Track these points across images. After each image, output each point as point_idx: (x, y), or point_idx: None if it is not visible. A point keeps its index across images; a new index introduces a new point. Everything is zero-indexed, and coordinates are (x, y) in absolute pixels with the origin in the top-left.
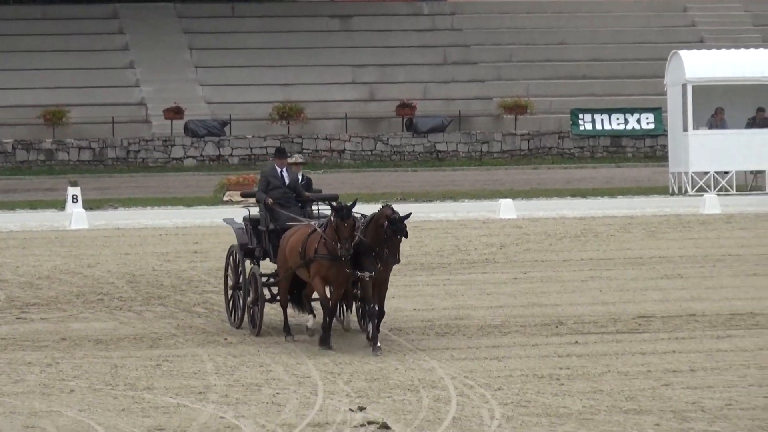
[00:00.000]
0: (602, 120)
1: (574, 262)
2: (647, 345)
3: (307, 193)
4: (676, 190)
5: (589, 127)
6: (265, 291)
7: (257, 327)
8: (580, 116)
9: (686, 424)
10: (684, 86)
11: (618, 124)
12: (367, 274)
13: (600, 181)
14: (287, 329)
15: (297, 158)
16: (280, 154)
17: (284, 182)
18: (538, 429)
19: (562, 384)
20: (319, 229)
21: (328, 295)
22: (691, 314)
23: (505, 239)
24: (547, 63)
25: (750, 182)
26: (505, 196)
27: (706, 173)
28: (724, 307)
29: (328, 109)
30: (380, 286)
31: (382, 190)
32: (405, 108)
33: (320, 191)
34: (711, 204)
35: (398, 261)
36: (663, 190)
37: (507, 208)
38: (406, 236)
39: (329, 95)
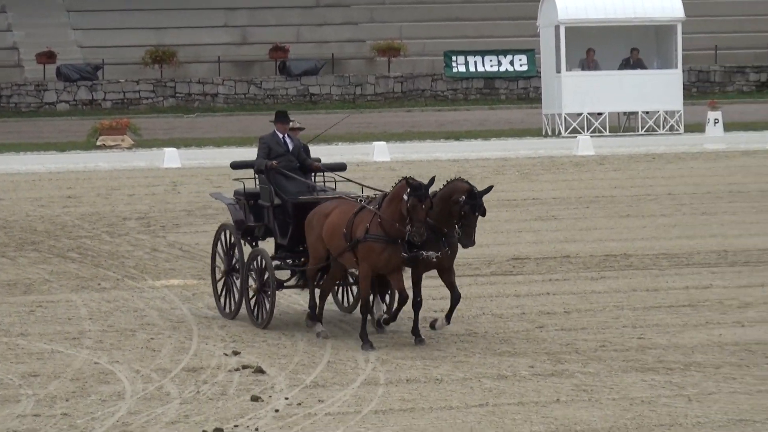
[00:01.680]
0: (475, 62)
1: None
2: (521, 287)
3: (316, 163)
4: (549, 132)
5: (462, 69)
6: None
7: (266, 317)
8: (453, 58)
9: (560, 365)
10: (557, 28)
11: (491, 66)
12: (433, 255)
13: (473, 123)
14: (314, 316)
15: (295, 123)
16: (282, 117)
17: (288, 149)
18: (413, 372)
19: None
20: (369, 206)
21: (367, 283)
22: (565, 256)
23: (380, 182)
24: (420, 5)
25: (623, 123)
26: (378, 139)
27: (579, 115)
28: (597, 248)
29: (201, 52)
30: (447, 272)
31: (255, 134)
32: (278, 51)
33: (318, 160)
34: (584, 145)
35: (473, 243)
36: (536, 132)
37: (381, 151)
38: (484, 214)
39: (202, 39)
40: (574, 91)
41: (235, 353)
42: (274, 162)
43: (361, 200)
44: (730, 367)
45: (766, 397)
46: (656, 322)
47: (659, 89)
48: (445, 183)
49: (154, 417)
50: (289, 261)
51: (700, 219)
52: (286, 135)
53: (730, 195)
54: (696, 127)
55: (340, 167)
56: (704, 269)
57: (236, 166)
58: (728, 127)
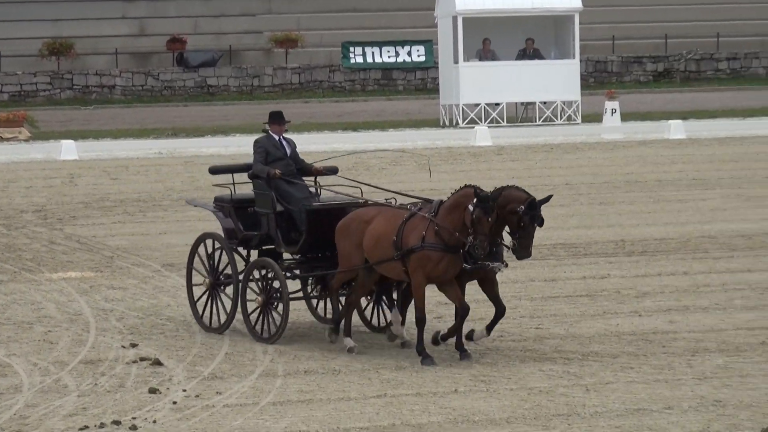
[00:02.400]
0: (373, 53)
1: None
2: None
3: (317, 166)
4: (447, 123)
5: (359, 60)
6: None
7: (278, 331)
8: (351, 49)
9: (458, 356)
10: (454, 18)
11: (389, 57)
12: (499, 265)
13: (371, 114)
14: (338, 330)
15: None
16: (278, 118)
17: (286, 153)
18: (311, 363)
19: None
20: (420, 213)
21: (421, 294)
22: None
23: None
24: None
25: (520, 114)
26: None
27: (476, 105)
28: None
29: (99, 44)
30: (490, 284)
31: (153, 126)
32: (175, 43)
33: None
34: (482, 136)
35: (530, 255)
36: (434, 123)
37: None
38: (542, 224)
39: (100, 30)
40: (472, 82)
41: (133, 345)
42: (278, 171)
43: (410, 207)
44: (628, 357)
45: (664, 386)
46: (554, 312)
47: (557, 79)
48: (494, 190)
49: (52, 410)
50: (297, 271)
51: (597, 209)
52: (281, 137)
53: (628, 185)
54: (593, 117)
55: (332, 170)
56: (601, 259)
57: (216, 171)
58: (625, 116)
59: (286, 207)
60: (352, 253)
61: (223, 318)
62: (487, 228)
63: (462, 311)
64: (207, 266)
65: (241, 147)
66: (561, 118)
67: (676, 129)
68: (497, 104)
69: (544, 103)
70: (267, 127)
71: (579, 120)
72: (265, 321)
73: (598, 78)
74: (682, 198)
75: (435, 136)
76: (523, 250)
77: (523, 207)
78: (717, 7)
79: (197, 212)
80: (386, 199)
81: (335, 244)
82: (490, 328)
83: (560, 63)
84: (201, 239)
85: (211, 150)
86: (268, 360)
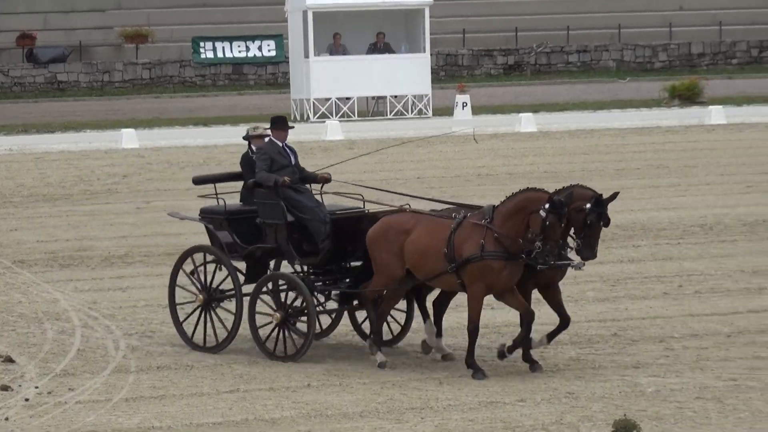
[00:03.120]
0: (223, 48)
1: (198, 190)
2: None
3: (323, 174)
4: (298, 117)
5: (210, 55)
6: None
7: (304, 347)
8: (202, 44)
9: (311, 351)
10: (304, 13)
11: (239, 52)
12: (581, 264)
13: (222, 109)
14: (377, 345)
15: (262, 129)
16: (281, 123)
17: (291, 161)
18: (164, 359)
19: None
20: (470, 220)
21: (479, 305)
22: None
23: (128, 169)
24: None
25: (372, 108)
26: (127, 126)
27: (327, 100)
28: None
29: None
30: (554, 291)
31: (2, 122)
32: (25, 39)
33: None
34: (333, 130)
35: (595, 256)
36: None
37: (129, 138)
38: (608, 223)
39: None
40: (323, 77)
41: None
42: (287, 179)
43: (455, 216)
44: (481, 350)
45: (516, 379)
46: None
47: (407, 73)
48: (560, 190)
49: None
50: (319, 283)
51: None
52: (284, 144)
53: (479, 178)
54: (444, 110)
55: (328, 180)
56: None
57: (201, 181)
58: (476, 110)
59: (299, 217)
60: (392, 263)
61: (219, 334)
62: (559, 234)
63: (527, 317)
64: (198, 282)
65: (92, 143)
66: (412, 112)
67: (527, 122)
68: (348, 98)
69: (395, 97)
70: (252, 132)
71: (430, 113)
72: (281, 337)
73: (449, 72)
74: None
75: None
76: (588, 250)
77: (589, 205)
78: (567, 1)
79: (48, 209)
80: (402, 206)
81: (368, 253)
82: (551, 336)
83: (411, 57)
84: (189, 253)
85: (62, 146)
86: (121, 356)
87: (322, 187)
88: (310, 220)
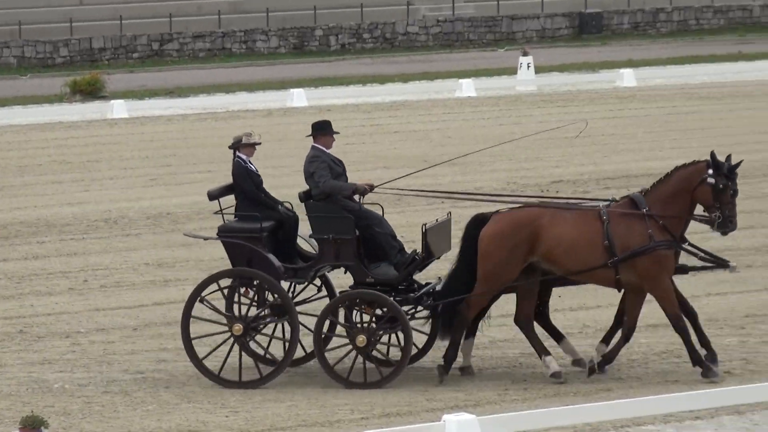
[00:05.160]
0: None
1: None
2: None
3: (367, 184)
4: None
5: None
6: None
7: (395, 372)
8: None
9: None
10: None
11: None
12: (735, 265)
13: None
14: (450, 361)
15: (255, 137)
16: (327, 128)
17: (344, 169)
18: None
19: None
20: (617, 210)
21: (674, 297)
22: None
23: None
24: None
25: None
26: None
27: None
28: None
29: None
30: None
31: None
32: None
33: None
34: None
35: (735, 227)
36: None
37: None
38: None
39: None
40: None
41: None
42: (369, 185)
43: (599, 207)
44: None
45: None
46: None
47: None
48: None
49: None
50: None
51: None
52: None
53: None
54: None
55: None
56: None
57: (215, 195)
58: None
59: (370, 231)
60: (511, 262)
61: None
62: (729, 195)
63: (681, 328)
64: (231, 311)
65: None
66: None
67: None
68: None
69: None
70: (245, 140)
71: None
72: (357, 361)
73: None
74: None
75: None
76: (728, 223)
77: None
78: None
79: None
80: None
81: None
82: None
83: None
84: (212, 280)
85: None
86: None
87: (361, 198)
88: (380, 233)
